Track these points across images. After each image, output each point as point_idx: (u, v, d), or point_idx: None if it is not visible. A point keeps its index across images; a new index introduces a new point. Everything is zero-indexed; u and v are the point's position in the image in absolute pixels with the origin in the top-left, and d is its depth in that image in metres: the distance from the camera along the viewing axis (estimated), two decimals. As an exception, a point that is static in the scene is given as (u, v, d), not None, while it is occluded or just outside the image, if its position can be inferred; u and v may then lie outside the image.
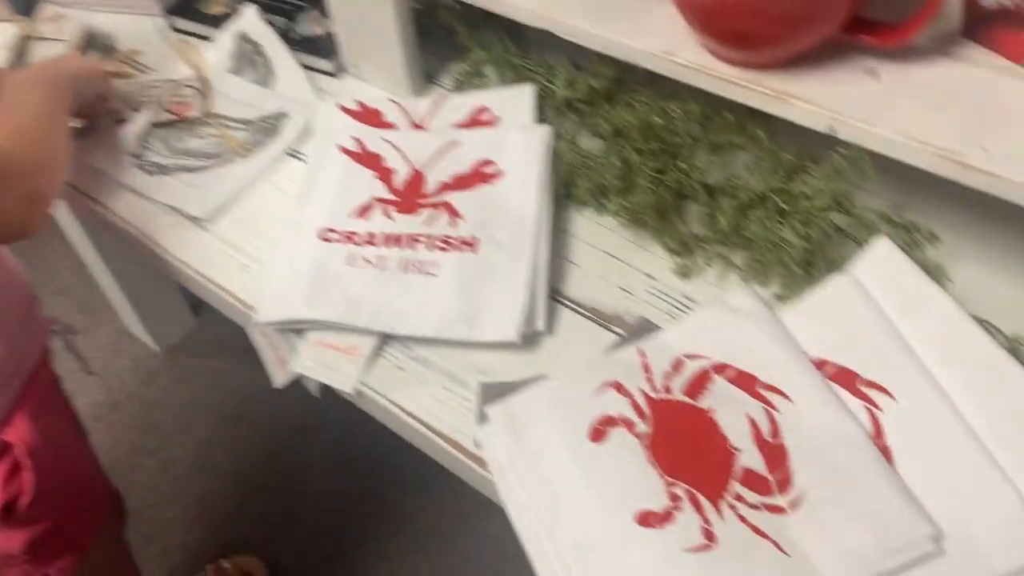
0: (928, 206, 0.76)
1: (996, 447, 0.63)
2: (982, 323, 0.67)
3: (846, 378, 0.69)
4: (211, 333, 1.93)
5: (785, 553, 0.61)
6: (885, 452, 0.65)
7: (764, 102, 0.70)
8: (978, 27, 0.69)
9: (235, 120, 1.01)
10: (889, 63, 0.70)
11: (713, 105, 0.78)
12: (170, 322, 1.90)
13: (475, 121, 0.91)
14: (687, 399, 0.70)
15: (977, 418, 0.64)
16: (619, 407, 0.70)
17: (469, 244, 0.80)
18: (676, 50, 0.73)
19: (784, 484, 0.65)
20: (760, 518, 0.63)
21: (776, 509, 0.64)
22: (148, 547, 1.61)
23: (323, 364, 0.78)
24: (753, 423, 0.68)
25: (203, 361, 1.88)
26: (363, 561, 1.59)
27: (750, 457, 0.67)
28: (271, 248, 0.85)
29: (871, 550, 0.60)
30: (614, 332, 0.79)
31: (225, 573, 1.54)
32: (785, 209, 0.74)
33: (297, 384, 0.82)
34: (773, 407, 0.69)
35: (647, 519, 0.64)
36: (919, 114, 0.66)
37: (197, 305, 1.94)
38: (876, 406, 0.67)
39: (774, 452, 0.67)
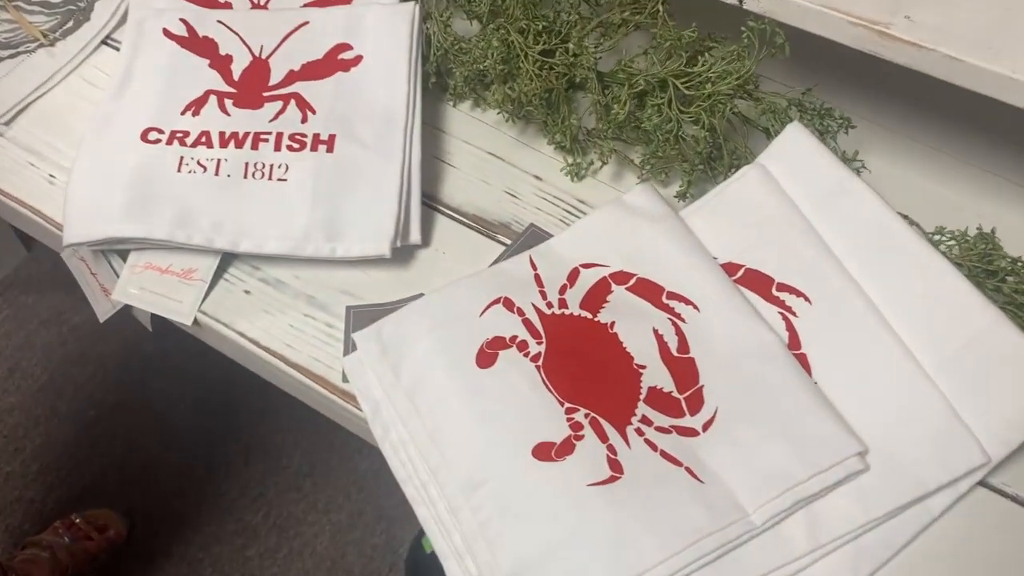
0: (835, 96, 0.69)
1: (921, 352, 0.57)
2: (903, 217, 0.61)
3: (759, 283, 0.62)
4: (46, 265, 1.72)
5: (699, 480, 0.54)
6: (802, 361, 0.59)
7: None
8: None
9: (34, 3, 0.83)
10: (803, -78, 0.61)
11: (605, -23, 0.68)
12: (-4, 255, 1.68)
13: (327, -2, 0.77)
14: (585, 314, 0.62)
15: (900, 320, 0.58)
16: (509, 326, 0.60)
17: (324, 142, 0.67)
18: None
19: (695, 403, 0.58)
20: (670, 442, 0.56)
21: (688, 431, 0.57)
22: (-17, 507, 1.44)
23: (153, 291, 0.65)
24: (659, 337, 0.60)
25: (38, 297, 1.68)
26: (235, 506, 1.47)
27: (657, 375, 0.59)
28: (80, 153, 0.69)
29: (794, 471, 0.54)
30: (500, 242, 0.69)
31: (76, 528, 1.39)
32: (687, 95, 0.66)
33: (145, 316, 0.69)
34: (680, 318, 0.61)
35: (545, 451, 0.55)
36: (838, -21, 0.58)
37: (29, 236, 1.71)
38: (791, 312, 0.61)
39: (683, 368, 0.59)
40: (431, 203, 0.70)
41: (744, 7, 0.61)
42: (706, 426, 0.57)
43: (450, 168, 0.73)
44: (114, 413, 1.54)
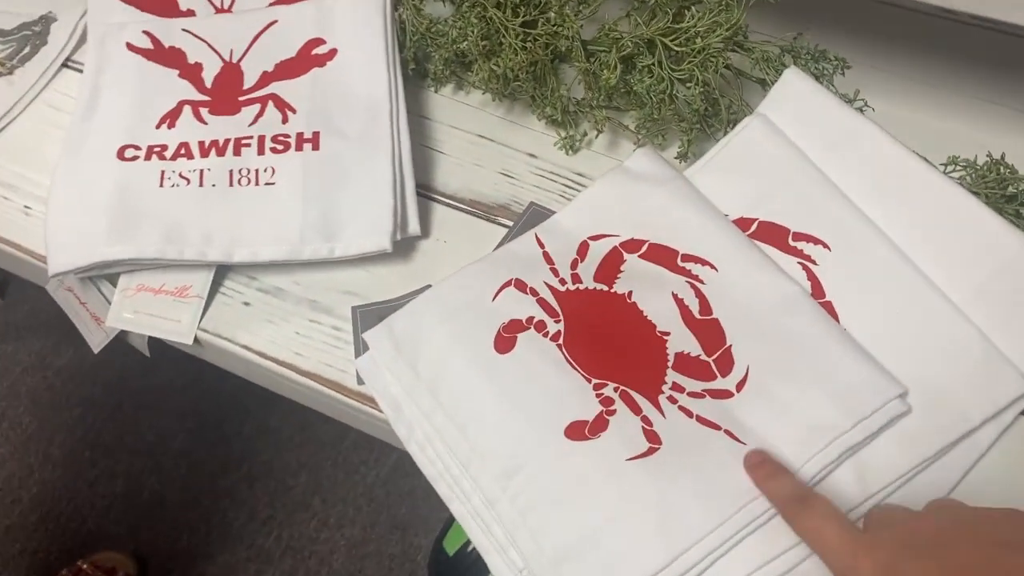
0: (825, 42, 0.68)
1: (950, 287, 0.56)
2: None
3: (774, 234, 0.60)
4: (23, 311, 1.68)
5: (740, 441, 0.52)
6: (828, 309, 0.57)
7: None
8: None
9: (-15, 32, 0.80)
10: None
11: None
12: (-31, 307, 1.63)
13: (294, -6, 0.74)
14: (600, 286, 0.60)
15: (925, 256, 0.57)
16: (525, 308, 0.58)
17: (309, 140, 0.65)
18: None
19: (725, 364, 0.56)
20: (706, 407, 0.54)
21: (722, 394, 0.55)
22: (-15, 563, 1.40)
23: (149, 314, 0.62)
24: (679, 301, 0.59)
25: (18, 344, 1.63)
26: (245, 532, 1.44)
27: (682, 340, 0.57)
28: (55, 179, 0.66)
29: (836, 421, 0.52)
30: (501, 225, 0.67)
31: (84, 575, 1.35)
32: (677, 53, 0.64)
33: (134, 351, 0.66)
34: (698, 280, 0.59)
35: (578, 430, 0.53)
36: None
37: (2, 283, 1.67)
38: (811, 260, 0.59)
39: (708, 330, 0.57)
40: (426, 192, 0.68)
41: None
42: (739, 386, 0.55)
43: (440, 155, 0.70)
44: (110, 453, 1.51)
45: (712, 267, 0.59)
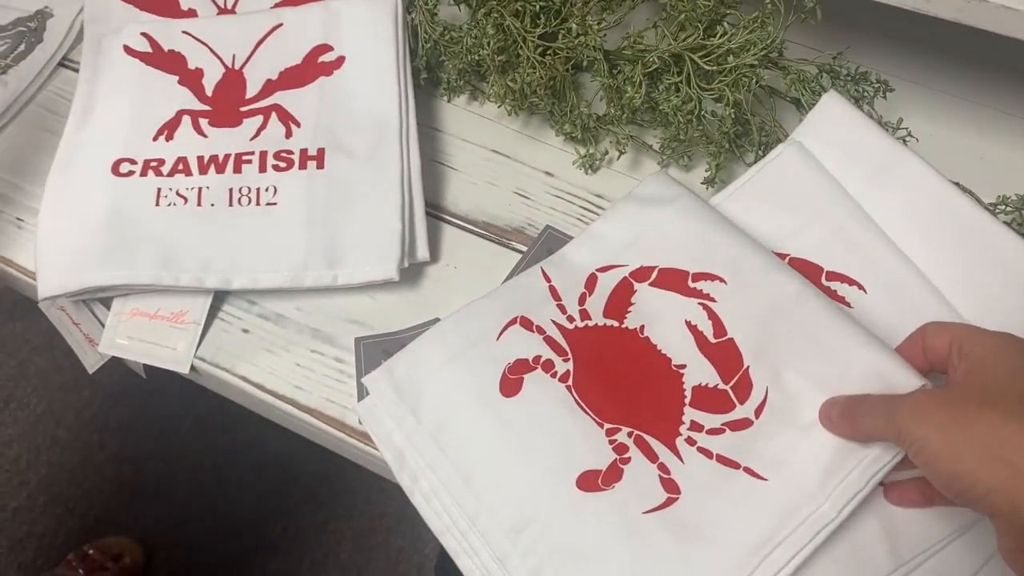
0: (868, 57, 0.63)
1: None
2: (959, 188, 0.55)
3: (807, 273, 0.56)
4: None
5: (762, 477, 0.49)
6: (862, 357, 0.53)
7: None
8: None
9: (-21, 27, 0.76)
10: None
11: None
12: (-22, 283, 1.61)
13: (300, -5, 0.70)
14: (610, 322, 0.56)
15: (969, 305, 0.53)
16: (531, 347, 0.55)
17: (313, 158, 0.61)
18: None
19: (743, 390, 0.52)
20: (725, 443, 0.51)
21: (741, 424, 0.51)
22: (-7, 545, 1.39)
23: (143, 340, 0.59)
24: (693, 328, 0.55)
25: (26, 324, 1.62)
26: (252, 521, 1.43)
27: (699, 370, 0.53)
28: (46, 195, 0.63)
29: None
30: (515, 249, 0.63)
31: (91, 560, 1.35)
32: (707, 70, 0.59)
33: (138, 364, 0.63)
34: (710, 299, 0.55)
35: (591, 481, 0.50)
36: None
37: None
38: (845, 302, 0.55)
39: (724, 354, 0.53)
40: (435, 212, 0.64)
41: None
42: (758, 411, 0.51)
43: (452, 171, 0.67)
44: (117, 437, 1.50)
45: (722, 280, 0.55)
